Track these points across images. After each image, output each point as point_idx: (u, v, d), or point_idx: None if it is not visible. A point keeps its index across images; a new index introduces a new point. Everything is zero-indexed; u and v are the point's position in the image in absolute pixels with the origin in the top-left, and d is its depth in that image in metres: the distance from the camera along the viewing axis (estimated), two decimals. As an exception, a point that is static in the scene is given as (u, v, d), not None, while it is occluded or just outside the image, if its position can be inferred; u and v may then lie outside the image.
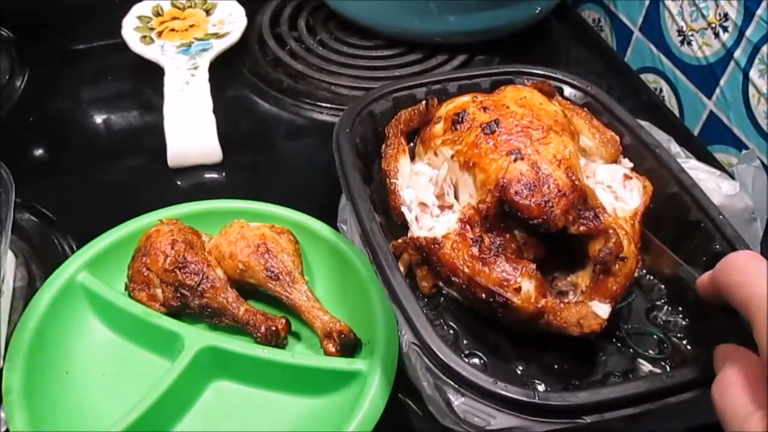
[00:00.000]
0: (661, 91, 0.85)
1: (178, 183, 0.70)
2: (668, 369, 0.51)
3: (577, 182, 0.51)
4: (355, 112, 0.61)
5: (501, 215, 0.51)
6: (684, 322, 0.54)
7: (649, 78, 0.86)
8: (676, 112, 0.83)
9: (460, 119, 0.56)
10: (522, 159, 0.51)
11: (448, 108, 0.59)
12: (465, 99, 0.59)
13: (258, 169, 0.72)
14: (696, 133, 0.80)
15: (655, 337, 0.53)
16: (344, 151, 0.56)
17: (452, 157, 0.55)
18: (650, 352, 0.52)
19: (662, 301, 0.56)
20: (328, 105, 0.77)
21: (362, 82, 0.79)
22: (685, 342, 0.53)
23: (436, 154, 0.58)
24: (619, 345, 0.53)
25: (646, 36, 0.86)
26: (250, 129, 0.76)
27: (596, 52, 0.90)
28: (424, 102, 0.59)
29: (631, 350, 0.52)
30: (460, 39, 0.83)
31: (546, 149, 0.52)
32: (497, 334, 0.53)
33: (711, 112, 0.77)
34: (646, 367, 0.52)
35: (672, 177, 0.57)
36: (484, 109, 0.56)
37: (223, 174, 0.71)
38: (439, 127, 0.58)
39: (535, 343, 0.52)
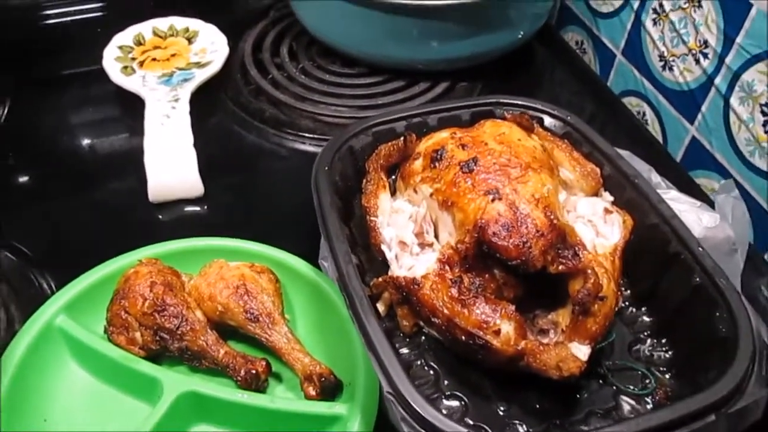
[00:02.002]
0: (644, 115, 0.85)
1: (160, 217, 0.70)
2: (651, 405, 0.51)
3: (555, 221, 0.51)
4: (334, 149, 0.60)
5: (480, 255, 0.51)
6: (668, 355, 0.54)
7: (632, 101, 0.87)
8: (660, 137, 0.83)
9: (438, 156, 0.56)
10: (500, 199, 0.51)
11: (427, 144, 0.59)
12: (444, 135, 0.59)
13: (240, 202, 0.71)
14: (679, 157, 0.80)
15: (638, 372, 0.53)
16: (322, 191, 0.56)
17: (431, 195, 0.55)
18: (633, 387, 0.52)
19: (646, 333, 0.56)
20: (311, 135, 0.77)
21: (345, 111, 0.79)
22: (668, 376, 0.53)
23: (415, 191, 0.57)
24: (601, 382, 0.53)
25: (628, 60, 0.86)
26: (232, 161, 0.76)
27: (579, 75, 0.90)
28: (402, 138, 0.59)
29: (614, 387, 0.52)
30: (442, 66, 0.83)
31: (524, 188, 0.52)
32: (479, 374, 0.52)
33: (693, 137, 0.78)
34: (629, 403, 0.52)
35: (652, 208, 0.57)
36: (463, 146, 0.56)
37: (205, 207, 0.71)
38: (418, 164, 0.58)
39: (517, 382, 0.52)
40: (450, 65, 0.83)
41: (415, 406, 0.42)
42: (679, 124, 0.79)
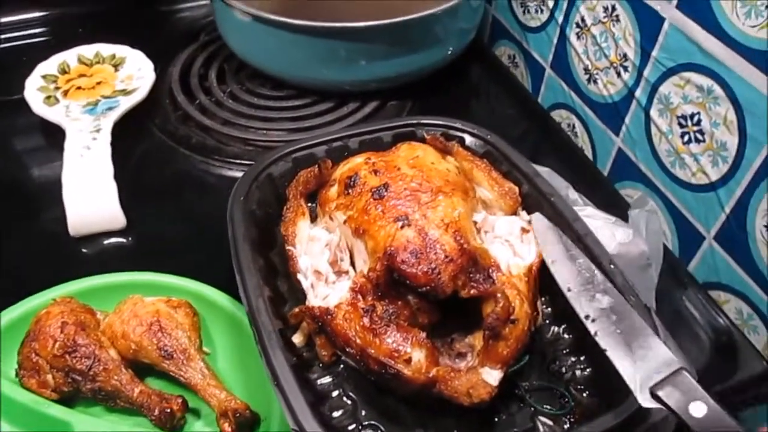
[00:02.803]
0: (574, 127, 0.86)
1: (82, 251, 0.68)
2: (568, 425, 0.51)
3: (465, 245, 0.51)
4: (251, 178, 0.60)
5: (392, 283, 0.51)
6: (585, 374, 0.55)
7: (562, 114, 0.88)
8: (589, 148, 0.84)
9: (352, 183, 0.56)
10: (409, 225, 0.51)
11: (342, 170, 0.59)
12: (359, 160, 0.58)
13: (165, 233, 0.70)
14: (607, 169, 0.81)
15: (556, 391, 0.53)
16: (237, 222, 0.56)
17: (345, 222, 0.55)
18: (550, 408, 0.52)
19: (565, 351, 0.56)
20: (238, 161, 0.76)
21: (273, 135, 0.79)
22: (586, 394, 0.53)
23: (331, 218, 0.57)
24: (521, 404, 0.53)
25: (556, 73, 0.87)
26: (157, 189, 0.75)
27: (511, 90, 0.91)
28: (317, 164, 0.59)
29: (532, 408, 0.52)
30: (371, 86, 0.83)
31: (434, 213, 0.52)
32: (397, 401, 0.52)
33: (619, 148, 0.79)
34: (546, 424, 0.52)
35: (567, 226, 0.57)
36: (375, 171, 0.56)
37: (129, 239, 0.69)
38: (333, 191, 0.58)
39: (436, 407, 0.51)
40: (379, 85, 0.83)
41: (318, 444, 0.42)
42: (606, 136, 0.80)
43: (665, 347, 0.45)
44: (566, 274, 0.52)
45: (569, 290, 0.51)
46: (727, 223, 0.66)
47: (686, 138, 0.68)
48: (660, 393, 0.42)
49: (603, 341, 0.47)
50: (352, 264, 0.56)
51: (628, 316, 0.48)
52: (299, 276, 0.55)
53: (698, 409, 0.40)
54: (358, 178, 0.56)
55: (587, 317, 0.49)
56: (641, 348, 0.45)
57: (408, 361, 0.48)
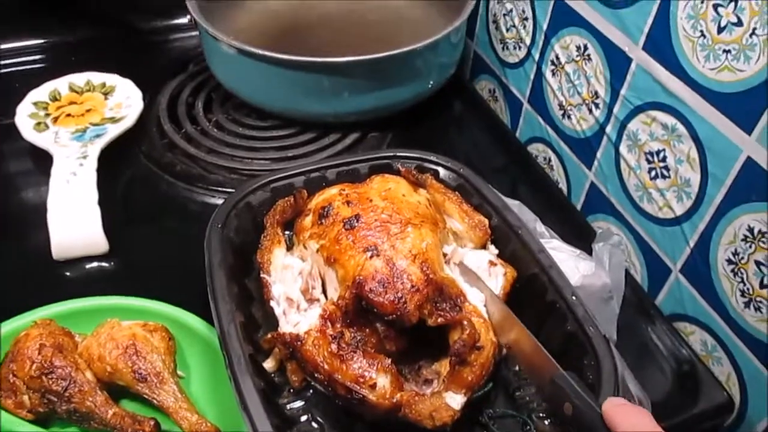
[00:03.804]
0: (550, 160, 0.88)
1: (65, 274, 0.70)
2: (530, 452, 0.53)
3: (432, 275, 0.53)
4: (230, 206, 0.62)
5: (360, 310, 0.53)
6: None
7: (539, 148, 0.90)
8: (564, 182, 0.86)
9: (325, 213, 0.58)
10: (378, 255, 0.53)
11: (317, 200, 0.61)
12: (333, 191, 0.61)
13: (147, 258, 0.72)
14: (581, 201, 0.83)
15: (519, 419, 0.55)
16: (213, 249, 0.57)
17: (317, 251, 0.57)
18: (513, 436, 0.54)
19: (528, 380, 0.58)
20: (221, 188, 0.78)
21: (256, 164, 0.81)
22: (547, 423, 0.55)
23: (305, 247, 0.59)
24: (484, 431, 0.54)
25: (534, 108, 0.90)
26: (141, 215, 0.77)
27: (489, 124, 0.94)
28: (293, 194, 0.61)
29: (495, 435, 0.54)
30: (353, 118, 0.85)
31: (402, 244, 0.54)
32: (364, 427, 0.53)
33: (592, 182, 0.81)
34: (510, 451, 0.53)
35: (532, 258, 0.59)
36: (348, 203, 0.58)
37: (111, 264, 0.71)
38: (308, 220, 0.60)
39: (402, 432, 0.53)
40: (361, 117, 0.85)
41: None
42: (580, 170, 0.83)
43: None
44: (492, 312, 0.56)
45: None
46: (692, 257, 0.68)
47: (653, 173, 0.71)
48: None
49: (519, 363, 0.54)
50: (324, 292, 0.57)
51: None
52: (272, 303, 0.57)
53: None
54: (332, 209, 0.58)
55: (507, 345, 0.55)
56: None
57: (373, 386, 0.50)
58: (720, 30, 0.59)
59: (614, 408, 0.44)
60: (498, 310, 0.55)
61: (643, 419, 0.43)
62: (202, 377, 0.59)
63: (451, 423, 0.49)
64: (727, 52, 0.59)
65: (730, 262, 0.63)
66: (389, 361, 0.51)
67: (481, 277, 0.58)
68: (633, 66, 0.70)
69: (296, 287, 0.57)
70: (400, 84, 0.84)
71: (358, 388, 0.50)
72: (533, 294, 0.58)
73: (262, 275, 0.58)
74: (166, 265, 0.71)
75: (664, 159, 0.69)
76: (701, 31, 0.61)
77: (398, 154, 0.69)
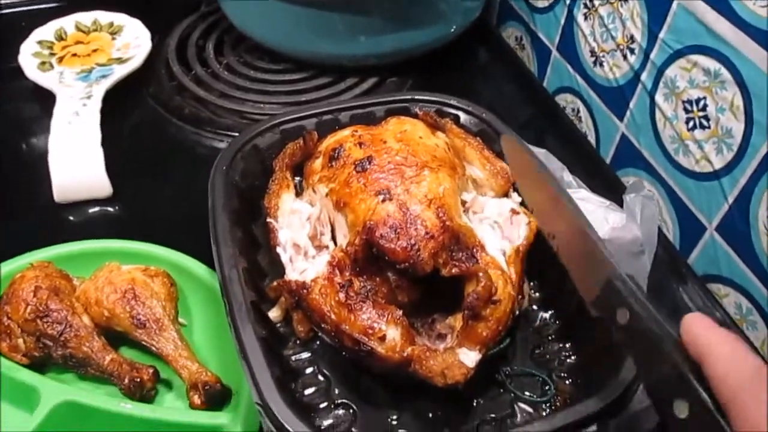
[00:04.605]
0: (578, 111, 0.83)
1: (68, 218, 0.67)
2: (548, 412, 0.50)
3: (448, 222, 0.49)
4: (236, 148, 0.58)
5: (371, 258, 0.49)
6: (570, 361, 0.53)
7: (567, 98, 0.85)
8: (593, 133, 0.81)
9: (336, 155, 0.54)
10: (390, 199, 0.49)
11: (328, 142, 0.57)
12: (345, 133, 0.57)
13: (152, 203, 0.69)
14: (610, 155, 0.79)
15: (538, 378, 0.51)
16: (217, 192, 0.54)
17: (327, 195, 0.53)
18: (530, 394, 0.50)
19: (551, 338, 0.54)
20: (230, 133, 0.74)
21: (268, 108, 0.77)
22: (568, 382, 0.51)
23: (314, 191, 0.55)
24: (501, 389, 0.51)
25: (563, 55, 0.84)
26: (147, 159, 0.74)
27: (516, 73, 0.89)
28: (302, 136, 0.57)
29: (512, 394, 0.50)
30: (370, 61, 0.81)
31: (417, 188, 0.50)
32: (372, 381, 0.50)
33: (623, 134, 0.76)
34: (525, 411, 0.50)
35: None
36: (361, 144, 0.54)
37: (116, 208, 0.68)
38: (318, 163, 0.56)
39: (412, 389, 0.49)
40: (379, 60, 0.81)
41: (280, 419, 0.40)
42: (610, 121, 0.77)
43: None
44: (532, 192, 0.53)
45: (532, 211, 0.52)
46: (730, 214, 0.63)
47: (691, 124, 0.65)
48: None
49: (564, 259, 0.46)
50: (334, 239, 0.54)
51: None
52: (278, 249, 0.53)
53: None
54: (343, 150, 0.54)
55: (550, 235, 0.49)
56: None
57: (382, 338, 0.46)
58: (775, -39, 0.54)
59: (706, 330, 0.33)
60: (545, 192, 0.51)
61: (737, 353, 0.32)
62: (205, 326, 0.57)
63: (464, 382, 0.45)
64: (782, -14, 0.53)
65: (772, 219, 0.58)
66: (400, 312, 0.47)
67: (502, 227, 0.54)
68: (674, 6, 0.65)
69: (304, 233, 0.53)
70: (420, 26, 0.79)
71: (367, 339, 0.47)
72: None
73: (268, 220, 0.55)
74: (171, 210, 0.68)
75: (704, 108, 0.64)
76: (753, -36, 0.55)
77: (416, 97, 0.65)
